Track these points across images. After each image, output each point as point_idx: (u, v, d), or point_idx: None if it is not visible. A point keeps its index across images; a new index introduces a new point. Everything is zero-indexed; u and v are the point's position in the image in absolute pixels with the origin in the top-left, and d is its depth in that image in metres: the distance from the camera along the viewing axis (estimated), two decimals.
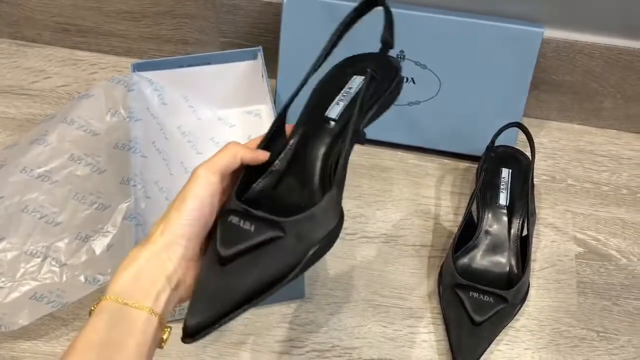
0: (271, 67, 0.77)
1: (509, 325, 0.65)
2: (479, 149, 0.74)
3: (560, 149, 0.80)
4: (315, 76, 0.55)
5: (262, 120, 0.80)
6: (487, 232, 0.69)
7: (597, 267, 0.70)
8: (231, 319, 0.39)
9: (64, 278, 0.58)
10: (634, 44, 0.73)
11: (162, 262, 0.40)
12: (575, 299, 0.68)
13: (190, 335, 0.38)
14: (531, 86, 0.76)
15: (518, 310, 0.65)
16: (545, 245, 0.71)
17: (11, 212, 0.62)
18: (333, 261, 0.69)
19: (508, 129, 0.72)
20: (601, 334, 0.65)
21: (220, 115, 0.79)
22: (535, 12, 0.72)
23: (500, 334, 0.64)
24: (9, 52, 0.87)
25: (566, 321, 0.66)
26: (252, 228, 0.41)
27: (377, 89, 0.52)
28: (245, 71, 0.77)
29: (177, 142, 0.74)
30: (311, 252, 0.41)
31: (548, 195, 0.76)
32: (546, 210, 0.74)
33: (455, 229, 0.70)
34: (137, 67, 0.73)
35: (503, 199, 0.71)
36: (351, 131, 0.46)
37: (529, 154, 0.72)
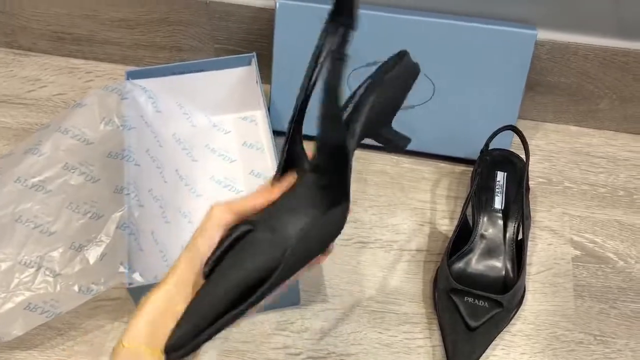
0: (266, 72, 0.77)
1: (505, 329, 0.65)
2: (475, 152, 0.74)
3: (556, 151, 0.80)
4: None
5: (258, 126, 0.80)
6: (482, 236, 0.69)
7: (594, 270, 0.70)
8: (217, 329, 0.39)
9: (58, 288, 0.58)
10: (628, 44, 0.72)
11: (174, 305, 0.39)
12: (572, 302, 0.67)
13: (171, 350, 0.37)
14: (526, 88, 0.75)
15: (514, 315, 0.65)
16: (542, 248, 0.71)
17: (5, 223, 0.62)
18: (328, 267, 0.69)
19: (503, 132, 0.72)
20: (598, 338, 0.65)
21: (215, 122, 0.80)
22: (529, 14, 0.72)
23: (496, 338, 0.64)
24: (5, 61, 0.88)
25: (563, 325, 0.66)
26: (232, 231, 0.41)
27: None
28: (239, 77, 0.77)
29: (172, 149, 0.74)
30: (289, 251, 0.40)
31: (545, 197, 0.75)
32: (543, 213, 0.74)
33: (451, 233, 0.70)
34: (131, 75, 0.73)
35: (498, 203, 0.71)
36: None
37: (524, 156, 0.71)
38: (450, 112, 0.75)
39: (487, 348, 0.62)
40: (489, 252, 0.68)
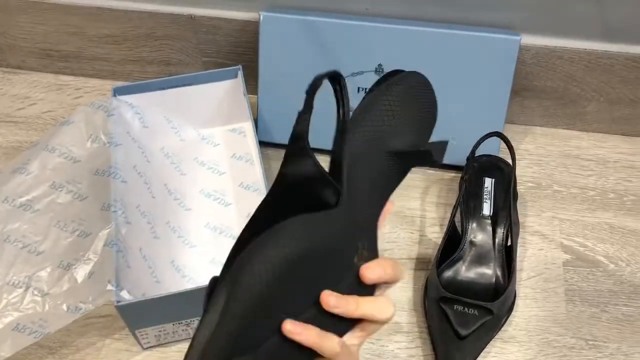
0: (254, 84, 0.77)
1: (497, 337, 0.64)
2: (463, 159, 0.74)
3: (545, 155, 0.79)
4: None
5: (247, 138, 0.80)
6: (471, 243, 0.69)
7: (585, 273, 0.69)
8: None
9: (47, 307, 0.58)
10: (612, 47, 0.73)
11: None
12: (564, 307, 0.67)
13: None
14: (514, 93, 0.76)
15: (505, 322, 0.65)
16: (532, 253, 0.71)
17: None
18: None
19: (490, 138, 0.72)
20: (590, 342, 0.65)
21: (204, 135, 0.80)
22: (512, 20, 0.72)
23: (488, 345, 0.63)
24: None
25: (554, 330, 0.65)
26: None
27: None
28: (227, 90, 0.77)
29: (160, 164, 0.74)
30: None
31: (534, 202, 0.75)
32: (532, 217, 0.74)
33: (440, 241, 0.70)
34: (119, 91, 0.74)
35: (487, 209, 0.70)
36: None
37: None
38: (437, 120, 0.75)
39: (478, 356, 0.62)
40: (479, 259, 0.68)
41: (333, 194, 0.38)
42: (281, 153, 0.84)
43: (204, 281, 0.57)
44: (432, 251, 0.71)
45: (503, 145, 0.73)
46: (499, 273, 0.67)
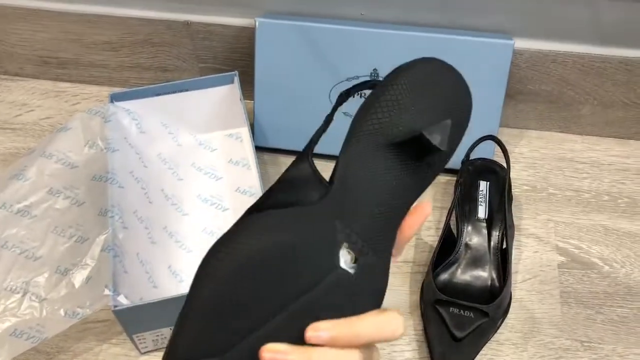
0: (251, 89, 0.78)
1: (493, 339, 0.65)
2: (458, 162, 0.75)
3: (540, 158, 0.80)
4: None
5: (243, 143, 0.81)
6: (467, 246, 0.69)
7: (580, 275, 0.70)
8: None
9: (44, 313, 0.59)
10: (605, 51, 0.73)
11: None
12: (559, 309, 0.67)
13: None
14: (508, 97, 0.76)
15: (500, 324, 0.65)
16: (527, 256, 0.71)
17: None
18: None
19: (485, 142, 0.73)
20: (585, 344, 0.65)
21: (201, 140, 0.80)
22: (506, 24, 0.73)
23: (484, 348, 0.64)
24: None
25: (550, 332, 0.66)
26: None
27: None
28: (223, 95, 0.78)
29: (158, 169, 0.75)
30: None
31: (529, 205, 0.76)
32: (528, 220, 0.74)
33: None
34: (116, 98, 0.74)
35: (482, 212, 0.71)
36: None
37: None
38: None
39: (474, 358, 0.62)
40: (474, 262, 0.68)
41: (321, 192, 0.36)
42: (277, 158, 0.85)
43: None
44: (427, 254, 0.71)
45: (498, 148, 0.73)
46: (494, 275, 0.67)
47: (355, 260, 0.36)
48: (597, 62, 0.74)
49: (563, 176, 0.78)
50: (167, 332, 0.62)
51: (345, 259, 0.35)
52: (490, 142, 0.73)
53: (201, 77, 0.76)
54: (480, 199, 0.72)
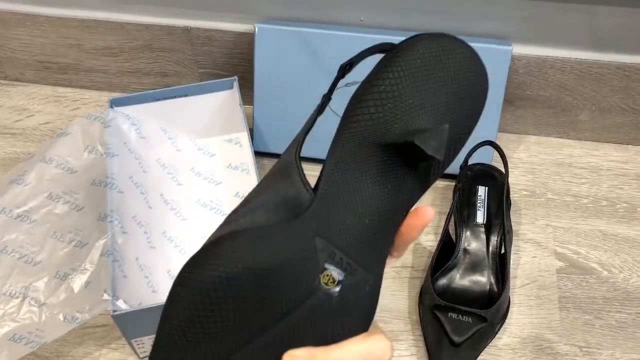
0: (250, 94, 0.78)
1: (491, 344, 0.65)
2: (457, 167, 0.75)
3: (539, 163, 0.80)
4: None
5: (243, 148, 0.81)
6: (465, 251, 0.69)
7: (578, 281, 0.70)
8: None
9: (43, 317, 0.59)
10: (602, 56, 0.73)
11: None
12: (557, 314, 0.67)
13: None
14: (506, 102, 0.76)
15: (499, 329, 0.65)
16: (526, 261, 0.71)
17: None
18: None
19: (483, 147, 0.73)
20: (584, 349, 0.65)
21: (200, 145, 0.80)
22: (504, 30, 0.73)
23: (483, 353, 0.64)
24: None
25: (548, 337, 0.66)
26: None
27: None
28: (222, 101, 0.78)
29: (157, 174, 0.75)
30: None
31: (528, 210, 0.76)
32: (526, 225, 0.74)
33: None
34: (115, 103, 0.75)
35: (480, 217, 0.71)
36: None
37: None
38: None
39: None
40: (473, 267, 0.68)
41: (306, 202, 0.32)
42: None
43: None
44: (426, 259, 0.71)
45: (496, 153, 0.73)
46: (493, 281, 0.67)
47: (339, 282, 0.32)
48: (594, 67, 0.74)
49: (562, 181, 0.78)
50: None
51: (326, 280, 0.32)
52: (488, 148, 0.73)
53: (201, 83, 0.76)
54: (478, 204, 0.72)
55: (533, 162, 0.80)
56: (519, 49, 0.74)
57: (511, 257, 0.70)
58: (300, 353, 0.31)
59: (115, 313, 0.56)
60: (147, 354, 0.64)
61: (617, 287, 0.69)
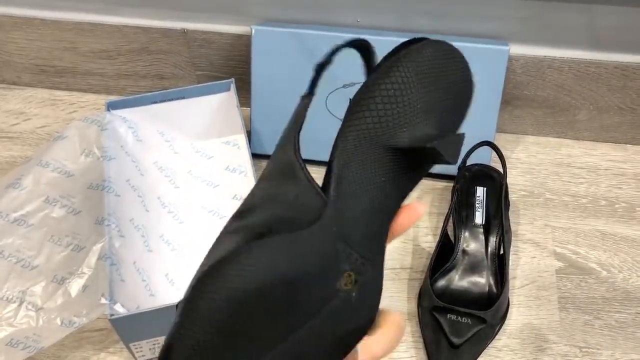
0: (248, 96, 0.78)
1: (491, 345, 0.65)
2: (455, 168, 0.75)
3: (537, 164, 0.80)
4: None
5: (241, 150, 0.80)
6: (464, 252, 0.69)
7: (577, 281, 0.70)
8: None
9: (40, 322, 0.58)
10: (600, 56, 0.73)
11: None
12: (557, 315, 0.67)
13: None
14: (504, 102, 0.76)
15: (498, 330, 0.65)
16: (525, 261, 0.71)
17: None
18: None
19: (481, 147, 0.73)
20: (584, 350, 0.65)
21: (197, 148, 0.80)
22: (501, 30, 0.73)
23: (482, 354, 0.64)
24: None
25: (548, 338, 0.66)
26: None
27: None
28: (220, 103, 0.78)
29: (154, 177, 0.75)
30: None
31: (527, 210, 0.76)
32: (525, 226, 0.74)
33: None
34: (112, 106, 0.74)
35: (479, 218, 0.71)
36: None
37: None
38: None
39: None
40: (472, 268, 0.68)
41: (318, 205, 0.32)
42: None
43: None
44: (425, 260, 0.71)
45: (494, 154, 0.73)
46: (492, 281, 0.67)
47: (356, 281, 0.33)
48: (592, 67, 0.74)
49: (560, 181, 0.78)
50: (164, 341, 0.62)
51: (346, 282, 0.33)
52: (486, 148, 0.73)
53: (198, 85, 0.76)
54: (477, 205, 0.72)
55: (531, 162, 0.80)
56: (517, 49, 0.74)
57: (510, 257, 0.69)
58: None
59: (113, 317, 0.56)
60: (146, 357, 0.64)
61: (616, 287, 0.69)
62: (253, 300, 0.29)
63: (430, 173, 0.79)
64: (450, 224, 0.71)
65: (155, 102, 0.76)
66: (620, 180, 0.78)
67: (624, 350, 0.65)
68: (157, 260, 0.68)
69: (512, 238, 0.72)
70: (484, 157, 0.75)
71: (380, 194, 0.35)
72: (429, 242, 0.73)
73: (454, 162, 0.34)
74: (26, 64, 0.87)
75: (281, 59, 0.75)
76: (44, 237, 0.64)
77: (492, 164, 0.76)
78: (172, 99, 0.76)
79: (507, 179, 0.73)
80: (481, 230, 0.70)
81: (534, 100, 0.78)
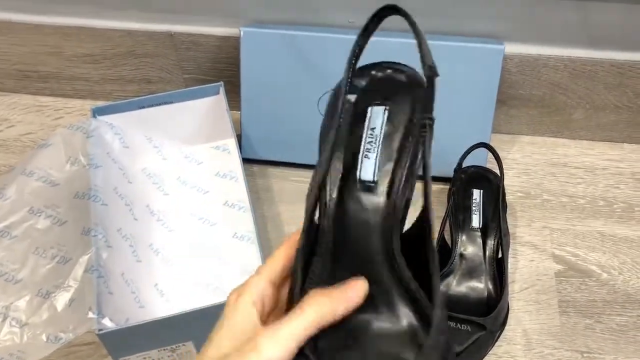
0: (237, 99, 0.76)
1: (491, 352, 0.63)
2: (451, 171, 0.73)
3: (533, 164, 0.79)
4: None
5: (231, 154, 0.79)
6: (462, 256, 0.68)
7: (577, 284, 0.68)
8: None
9: (25, 338, 0.56)
10: (595, 54, 0.72)
11: None
12: (557, 319, 0.66)
13: None
14: (499, 102, 0.75)
15: (498, 336, 0.64)
16: (524, 265, 0.70)
17: None
18: None
19: (477, 149, 0.71)
20: (585, 354, 0.63)
21: (187, 153, 0.78)
22: (495, 29, 0.72)
23: None
24: None
25: (549, 343, 0.64)
26: None
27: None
28: (209, 107, 0.76)
29: (142, 184, 0.73)
30: None
31: (524, 212, 0.74)
32: (523, 228, 0.73)
33: None
34: (98, 112, 0.72)
35: (476, 221, 0.69)
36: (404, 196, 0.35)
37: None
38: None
39: None
40: (470, 273, 0.67)
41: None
42: (266, 169, 0.82)
43: (189, 305, 0.56)
44: None
45: (491, 155, 0.72)
46: (490, 286, 0.66)
47: None
48: (588, 65, 0.72)
49: (557, 182, 0.77)
50: (154, 355, 0.60)
51: None
52: (482, 150, 0.72)
53: (186, 89, 0.74)
54: (474, 208, 0.70)
55: (527, 163, 0.79)
56: (511, 48, 0.72)
57: (509, 261, 0.68)
58: None
59: (101, 332, 0.54)
60: None
61: (617, 290, 0.68)
62: None
63: None
64: (447, 227, 0.70)
65: (142, 107, 0.73)
66: (618, 179, 0.77)
67: (626, 354, 0.63)
68: (146, 271, 0.66)
69: (510, 241, 0.71)
70: (480, 158, 0.74)
71: None
72: None
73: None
74: (9, 70, 0.85)
75: (271, 61, 0.73)
76: (28, 249, 0.62)
77: (488, 165, 0.74)
78: (159, 104, 0.74)
79: (504, 180, 0.71)
80: (478, 233, 0.69)
81: (530, 100, 0.77)
